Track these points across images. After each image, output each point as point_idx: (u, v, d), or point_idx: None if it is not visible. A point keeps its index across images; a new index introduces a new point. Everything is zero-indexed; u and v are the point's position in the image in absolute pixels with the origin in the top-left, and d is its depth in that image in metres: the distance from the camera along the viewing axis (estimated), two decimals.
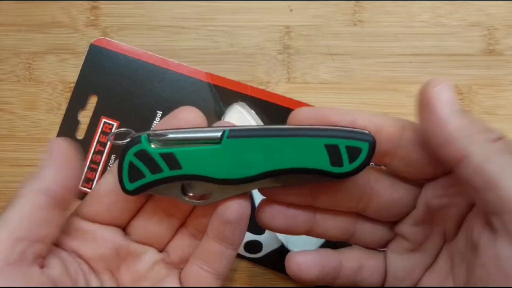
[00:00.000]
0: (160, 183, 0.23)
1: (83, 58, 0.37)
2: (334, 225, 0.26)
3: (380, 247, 0.26)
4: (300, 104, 0.36)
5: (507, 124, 0.36)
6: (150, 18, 0.38)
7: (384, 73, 0.37)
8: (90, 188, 0.36)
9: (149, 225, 0.26)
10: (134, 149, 0.23)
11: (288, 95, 0.36)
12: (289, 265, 0.25)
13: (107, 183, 0.25)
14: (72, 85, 0.37)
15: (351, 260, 0.26)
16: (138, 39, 0.37)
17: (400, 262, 0.25)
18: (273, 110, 0.36)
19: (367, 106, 0.36)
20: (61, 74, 0.37)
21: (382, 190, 0.24)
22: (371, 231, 0.26)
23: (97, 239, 0.25)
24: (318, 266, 0.25)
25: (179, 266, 0.27)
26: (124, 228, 0.27)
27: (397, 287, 0.26)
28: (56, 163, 0.24)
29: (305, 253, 0.25)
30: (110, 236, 0.26)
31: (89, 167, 0.36)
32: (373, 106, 0.36)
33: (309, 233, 0.26)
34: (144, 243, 0.26)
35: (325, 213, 0.25)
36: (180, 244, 0.27)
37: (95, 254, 0.25)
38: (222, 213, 0.24)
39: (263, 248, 0.35)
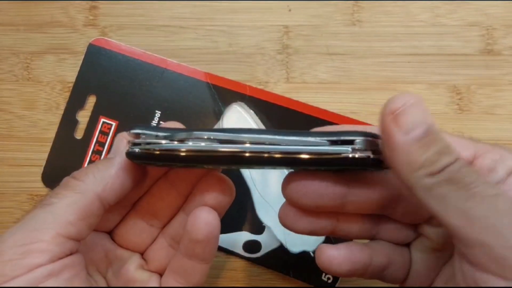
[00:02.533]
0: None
1: (81, 58, 0.37)
2: (357, 226, 0.25)
3: (402, 244, 0.26)
4: (299, 104, 0.36)
5: (505, 123, 0.36)
6: (149, 18, 0.38)
7: (383, 73, 0.37)
8: None
9: (132, 232, 0.27)
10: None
11: (287, 95, 0.36)
12: (320, 258, 0.25)
13: None
14: (71, 85, 0.37)
15: (381, 256, 0.25)
16: (137, 39, 0.37)
17: (423, 259, 0.25)
18: (272, 110, 0.36)
19: (366, 106, 0.36)
20: (59, 74, 0.37)
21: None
22: (395, 232, 0.26)
23: (87, 243, 0.26)
24: (350, 262, 0.24)
25: (159, 272, 0.27)
26: (110, 233, 0.28)
27: (404, 287, 0.25)
28: (118, 169, 0.25)
29: (337, 248, 0.25)
30: (99, 241, 0.27)
31: None
32: (372, 106, 0.36)
33: (332, 234, 0.25)
34: (128, 249, 0.28)
35: (348, 217, 0.25)
36: (158, 253, 0.27)
37: (86, 257, 0.25)
38: (191, 232, 0.24)
39: (262, 248, 0.35)
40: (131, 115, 0.36)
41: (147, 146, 0.22)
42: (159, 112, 0.36)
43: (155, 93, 0.36)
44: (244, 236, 0.35)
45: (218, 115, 0.36)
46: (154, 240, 0.28)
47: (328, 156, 0.21)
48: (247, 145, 0.22)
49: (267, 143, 0.22)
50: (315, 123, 0.35)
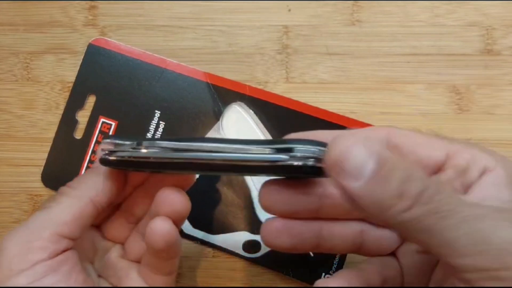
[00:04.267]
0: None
1: (81, 57, 0.37)
2: (340, 238, 0.25)
3: (389, 253, 0.26)
4: (299, 104, 0.36)
5: (505, 123, 0.36)
6: (148, 18, 0.38)
7: (382, 73, 0.37)
8: None
9: (115, 227, 0.31)
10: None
11: (286, 95, 0.36)
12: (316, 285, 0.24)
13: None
14: (70, 84, 0.37)
15: (375, 275, 0.25)
16: (136, 39, 0.37)
17: (413, 265, 0.25)
18: (271, 110, 0.36)
19: (365, 106, 0.36)
20: (59, 73, 0.37)
21: None
22: (378, 240, 0.25)
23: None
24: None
25: (137, 261, 0.30)
26: (98, 227, 0.32)
27: (398, 287, 0.25)
28: (105, 176, 0.28)
29: (333, 280, 0.24)
30: (89, 233, 0.30)
31: (87, 167, 0.36)
32: (371, 106, 0.36)
33: (317, 249, 0.25)
34: (112, 240, 0.31)
35: (331, 227, 0.25)
36: (133, 245, 0.30)
37: (79, 247, 0.28)
38: (150, 244, 0.27)
39: (262, 248, 0.35)
40: (130, 115, 0.36)
41: (118, 154, 0.25)
42: (159, 112, 0.36)
43: (155, 93, 0.36)
44: (244, 236, 0.35)
45: (218, 115, 0.36)
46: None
47: (266, 163, 0.22)
48: (195, 153, 0.24)
49: (213, 151, 0.23)
50: (315, 123, 0.35)
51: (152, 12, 0.38)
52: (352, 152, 0.18)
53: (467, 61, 0.37)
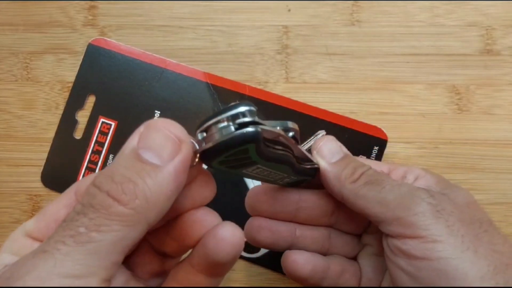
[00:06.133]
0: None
1: (81, 57, 0.37)
2: (312, 240, 0.29)
3: (353, 257, 0.30)
4: (298, 103, 0.36)
5: (505, 123, 0.36)
6: (148, 18, 0.38)
7: (382, 73, 0.37)
8: None
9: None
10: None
11: (286, 95, 0.36)
12: (286, 262, 0.28)
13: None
14: (70, 84, 0.37)
15: (336, 264, 0.29)
16: (136, 39, 0.37)
17: (370, 266, 0.30)
18: (271, 110, 0.36)
19: (365, 106, 0.36)
20: (59, 73, 0.37)
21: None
22: (343, 245, 0.30)
23: None
24: (311, 265, 0.28)
25: (151, 282, 0.25)
26: None
27: (393, 287, 0.26)
28: (173, 186, 0.20)
29: (300, 252, 0.28)
30: None
31: (87, 167, 0.36)
32: (370, 106, 0.36)
33: (291, 248, 0.29)
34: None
35: (304, 230, 0.29)
36: (145, 261, 0.24)
37: None
38: (215, 254, 0.21)
39: (261, 248, 0.35)
40: (130, 115, 0.36)
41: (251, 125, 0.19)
42: (159, 112, 0.36)
43: (155, 93, 0.36)
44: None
45: None
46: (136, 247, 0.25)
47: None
48: None
49: None
50: (315, 123, 0.35)
51: (152, 12, 0.38)
52: (329, 144, 0.28)
53: (466, 61, 0.37)
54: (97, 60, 0.37)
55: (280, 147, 0.22)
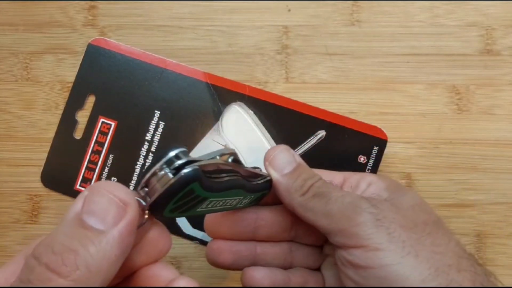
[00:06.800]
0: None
1: (81, 57, 0.37)
2: (273, 256, 0.30)
3: (317, 268, 0.31)
4: (298, 104, 0.36)
5: (504, 123, 0.36)
6: (148, 18, 0.38)
7: (381, 73, 0.37)
8: None
9: None
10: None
11: (286, 95, 0.36)
12: (244, 279, 0.29)
13: None
14: (70, 84, 0.37)
15: (298, 276, 0.29)
16: (136, 39, 0.37)
17: (332, 274, 0.30)
18: (271, 110, 0.36)
19: (365, 106, 0.36)
20: (58, 73, 0.37)
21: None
22: (306, 257, 0.30)
23: None
24: (268, 280, 0.28)
25: None
26: None
27: (397, 287, 0.26)
28: (118, 251, 0.19)
29: (258, 269, 0.29)
30: None
31: (87, 167, 0.36)
32: (370, 106, 0.36)
33: (253, 265, 0.29)
34: None
35: (265, 247, 0.29)
36: None
37: None
38: None
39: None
40: (130, 115, 0.36)
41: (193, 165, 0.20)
42: (158, 112, 0.36)
43: (154, 93, 0.36)
44: None
45: (217, 115, 0.36)
46: None
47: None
48: None
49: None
50: (314, 123, 0.35)
51: (152, 12, 0.38)
52: (281, 155, 0.28)
53: (466, 61, 0.37)
54: (97, 60, 0.37)
55: (224, 175, 0.23)
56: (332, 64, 0.37)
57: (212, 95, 0.36)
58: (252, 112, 0.36)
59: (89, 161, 0.36)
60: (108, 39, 0.37)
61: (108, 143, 0.36)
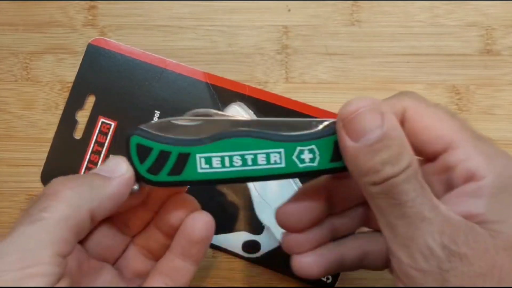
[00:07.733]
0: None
1: (80, 57, 0.37)
2: (348, 226, 0.27)
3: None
4: (298, 104, 0.36)
5: (504, 123, 0.36)
6: (148, 18, 0.38)
7: (382, 73, 0.37)
8: None
9: (105, 241, 0.27)
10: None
11: (286, 95, 0.36)
12: (294, 266, 0.26)
13: None
14: (70, 84, 0.37)
15: (354, 250, 0.26)
16: (136, 39, 0.37)
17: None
18: (271, 110, 0.36)
19: None
20: (58, 73, 0.37)
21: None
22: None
23: None
24: (320, 267, 0.26)
25: (134, 281, 0.27)
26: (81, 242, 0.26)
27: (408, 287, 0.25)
28: (115, 192, 0.24)
29: (308, 255, 0.26)
30: (75, 251, 0.25)
31: (87, 167, 0.36)
32: None
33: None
34: (100, 259, 0.27)
35: (342, 220, 0.27)
36: (132, 261, 0.28)
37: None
38: (191, 233, 0.26)
39: (261, 248, 0.35)
40: (130, 115, 0.36)
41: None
42: (158, 112, 0.36)
43: (154, 93, 0.36)
44: (243, 236, 0.35)
45: None
46: (125, 249, 0.28)
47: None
48: None
49: None
50: None
51: (152, 12, 0.38)
52: (365, 116, 0.20)
53: (466, 61, 0.37)
54: (97, 60, 0.37)
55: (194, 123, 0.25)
56: (332, 64, 0.37)
57: (212, 95, 0.36)
58: (252, 112, 0.36)
59: (89, 161, 0.36)
60: (108, 39, 0.37)
61: (108, 143, 0.36)
